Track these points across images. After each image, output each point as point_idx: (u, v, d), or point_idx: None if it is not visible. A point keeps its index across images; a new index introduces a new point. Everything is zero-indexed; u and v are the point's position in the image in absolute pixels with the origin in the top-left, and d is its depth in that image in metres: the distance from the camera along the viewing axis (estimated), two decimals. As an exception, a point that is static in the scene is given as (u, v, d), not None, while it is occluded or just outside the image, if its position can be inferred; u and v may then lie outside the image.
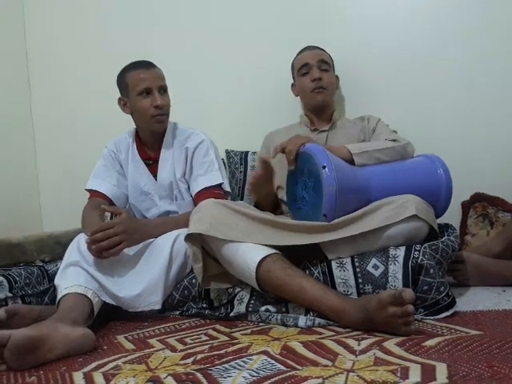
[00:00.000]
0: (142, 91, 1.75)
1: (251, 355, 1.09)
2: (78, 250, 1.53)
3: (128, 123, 1.88)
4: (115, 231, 1.49)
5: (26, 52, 2.67)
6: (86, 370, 1.10)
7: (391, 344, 1.09)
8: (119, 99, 1.84)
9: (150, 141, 1.87)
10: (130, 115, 1.85)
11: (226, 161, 2.28)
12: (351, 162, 1.58)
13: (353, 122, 2.02)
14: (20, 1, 2.65)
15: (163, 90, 1.79)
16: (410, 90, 2.16)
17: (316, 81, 1.96)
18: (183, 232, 1.51)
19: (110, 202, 1.86)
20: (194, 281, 1.56)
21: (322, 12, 2.26)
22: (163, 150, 1.85)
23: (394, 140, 1.71)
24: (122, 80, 1.80)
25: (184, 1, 2.44)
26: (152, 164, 1.87)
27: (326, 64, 1.99)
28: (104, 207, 1.59)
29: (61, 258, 1.62)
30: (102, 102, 2.09)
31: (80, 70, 2.59)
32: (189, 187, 1.86)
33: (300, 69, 2.01)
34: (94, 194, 1.86)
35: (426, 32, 2.13)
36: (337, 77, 2.11)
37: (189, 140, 1.85)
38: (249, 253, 1.37)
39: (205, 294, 1.54)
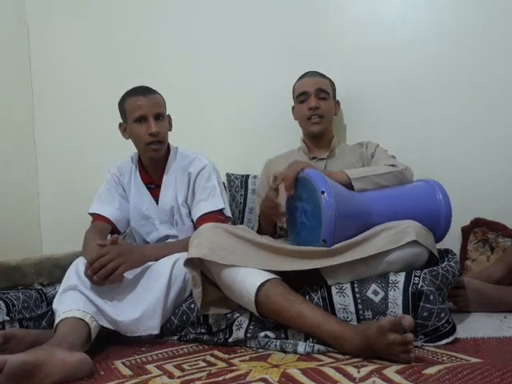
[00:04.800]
0: (138, 118, 1.76)
1: (249, 382, 1.07)
2: (76, 273, 1.52)
3: (130, 147, 1.89)
4: (109, 257, 1.48)
5: (30, 73, 2.71)
6: (82, 396, 1.09)
7: (391, 371, 1.08)
8: (120, 124, 1.86)
9: (152, 165, 1.88)
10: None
11: (226, 184, 2.29)
12: (350, 186, 1.59)
13: (351, 148, 2.04)
14: (25, 22, 2.70)
15: (160, 117, 1.78)
16: (409, 115, 2.18)
17: (312, 109, 1.98)
18: (182, 256, 1.50)
19: (113, 226, 1.86)
20: (192, 306, 1.55)
21: (322, 38, 2.30)
22: (166, 174, 1.86)
23: (393, 165, 1.72)
24: (122, 106, 1.82)
25: (185, 25, 2.49)
26: (154, 188, 1.88)
27: (324, 92, 2.01)
28: (98, 242, 1.58)
29: (59, 281, 1.60)
30: (105, 125, 2.11)
31: (83, 93, 2.63)
32: (190, 212, 1.86)
33: (298, 96, 2.04)
34: (96, 217, 1.86)
35: (425, 59, 2.16)
36: (338, 102, 2.13)
37: (192, 165, 1.85)
38: (248, 278, 1.37)
39: (203, 319, 1.53)
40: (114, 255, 1.49)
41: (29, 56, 2.71)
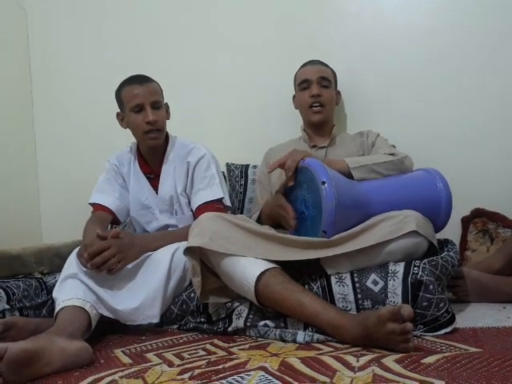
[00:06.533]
0: (135, 107, 1.75)
1: (249, 371, 1.08)
2: (76, 262, 1.52)
3: (129, 136, 1.88)
4: (110, 253, 1.48)
5: (29, 63, 2.69)
6: (82, 384, 1.09)
7: (390, 361, 1.09)
8: (117, 114, 1.85)
9: (151, 155, 1.87)
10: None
11: (226, 174, 2.29)
12: (349, 175, 1.58)
13: (352, 137, 2.04)
14: (23, 11, 2.68)
15: (157, 105, 1.77)
16: (410, 105, 2.17)
17: (314, 97, 1.97)
18: (182, 245, 1.50)
19: (113, 216, 1.86)
20: (192, 295, 1.56)
21: (323, 28, 2.28)
22: (164, 164, 1.86)
23: (393, 154, 1.72)
24: (119, 95, 1.81)
25: (185, 15, 2.47)
26: (153, 178, 1.88)
27: (326, 80, 2.00)
28: (98, 233, 1.56)
29: (60, 270, 1.61)
30: (104, 115, 2.09)
31: (82, 83, 2.61)
32: (189, 201, 1.85)
33: (300, 83, 2.03)
34: (97, 207, 1.86)
35: (426, 48, 2.15)
36: (338, 92, 2.12)
37: (190, 154, 1.85)
38: (248, 267, 1.37)
39: (203, 308, 1.53)
40: (115, 251, 1.49)
41: (27, 45, 2.69)
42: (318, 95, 1.97)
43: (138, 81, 1.77)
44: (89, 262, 1.46)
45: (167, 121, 1.87)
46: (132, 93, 1.75)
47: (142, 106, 1.75)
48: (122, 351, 1.35)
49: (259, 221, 1.84)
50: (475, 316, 1.47)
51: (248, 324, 1.41)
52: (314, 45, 2.26)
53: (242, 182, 2.27)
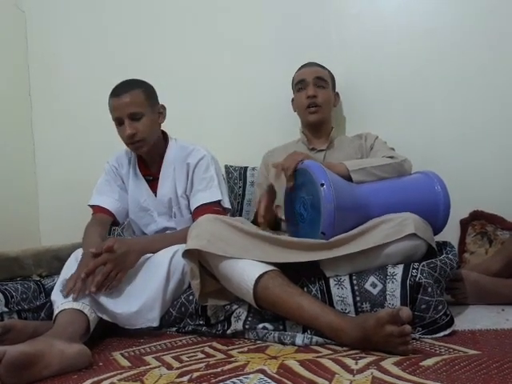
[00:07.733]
0: (115, 120, 1.75)
1: (248, 374, 1.08)
2: (75, 264, 1.51)
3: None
4: (109, 268, 1.46)
5: (28, 66, 2.70)
6: (80, 387, 1.09)
7: (389, 363, 1.09)
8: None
9: (150, 158, 1.87)
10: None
11: (225, 176, 2.29)
12: (349, 178, 1.58)
13: (350, 139, 2.04)
14: (22, 14, 2.68)
15: (136, 116, 1.73)
16: (409, 107, 2.17)
17: (310, 98, 1.97)
18: (181, 248, 1.50)
19: (113, 218, 1.86)
20: (191, 297, 1.56)
21: (322, 30, 2.28)
22: (164, 166, 1.85)
23: (391, 157, 1.72)
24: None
25: (184, 15, 2.47)
26: (152, 180, 1.87)
27: (322, 81, 2.00)
28: (91, 251, 1.51)
29: (58, 272, 1.60)
30: (102, 117, 2.09)
31: (81, 85, 2.62)
32: (189, 203, 1.85)
33: (297, 84, 2.03)
34: (97, 209, 1.85)
35: (426, 49, 2.15)
36: (337, 94, 2.12)
37: (190, 156, 1.84)
38: (247, 269, 1.37)
39: (202, 311, 1.53)
40: (112, 265, 1.47)
41: (26, 46, 2.69)
42: (313, 96, 1.97)
43: (117, 92, 1.74)
44: (92, 285, 1.43)
45: (163, 123, 1.86)
46: (111, 106, 1.75)
47: (120, 120, 1.74)
48: (121, 354, 1.35)
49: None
50: (474, 318, 1.47)
51: (247, 326, 1.41)
52: (313, 46, 2.27)
53: (241, 184, 2.27)
